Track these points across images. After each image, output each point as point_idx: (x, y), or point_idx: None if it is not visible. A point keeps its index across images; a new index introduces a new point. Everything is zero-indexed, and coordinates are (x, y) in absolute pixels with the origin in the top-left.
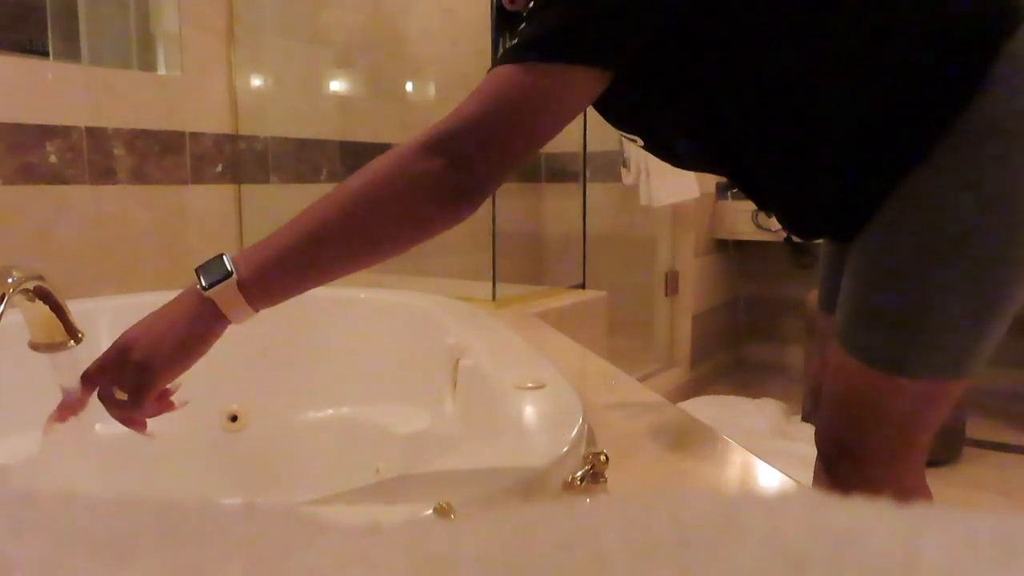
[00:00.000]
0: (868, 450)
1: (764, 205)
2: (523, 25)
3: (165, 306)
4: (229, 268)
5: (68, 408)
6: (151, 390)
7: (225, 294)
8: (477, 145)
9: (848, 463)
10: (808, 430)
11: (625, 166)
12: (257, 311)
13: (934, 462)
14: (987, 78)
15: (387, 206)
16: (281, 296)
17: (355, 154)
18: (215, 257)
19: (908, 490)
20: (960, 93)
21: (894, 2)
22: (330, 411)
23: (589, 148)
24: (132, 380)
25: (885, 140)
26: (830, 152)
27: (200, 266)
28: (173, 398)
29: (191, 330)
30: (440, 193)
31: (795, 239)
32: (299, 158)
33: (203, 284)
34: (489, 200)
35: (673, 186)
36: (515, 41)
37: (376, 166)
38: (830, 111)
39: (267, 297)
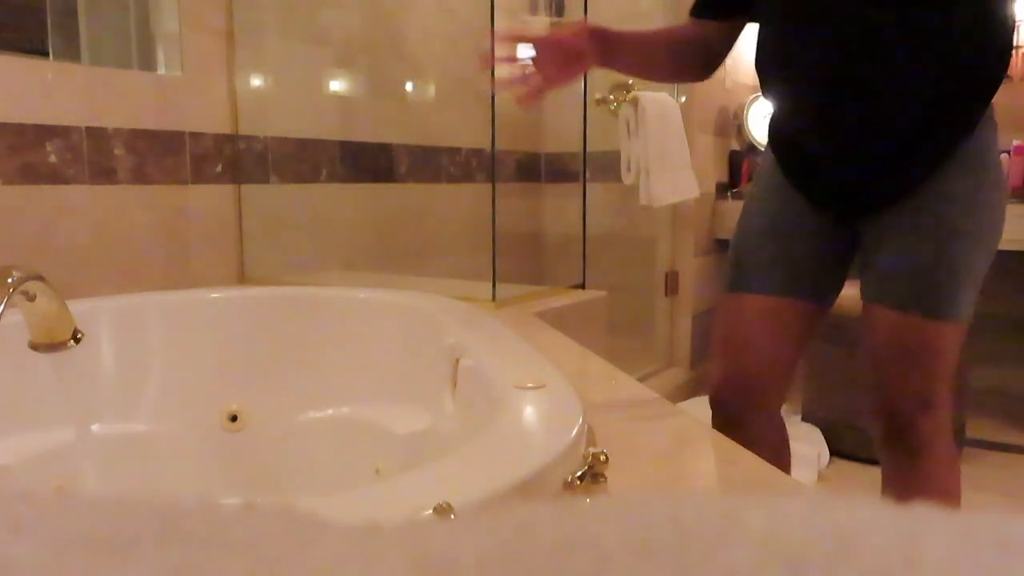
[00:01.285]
0: (938, 396)
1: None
2: None
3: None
4: None
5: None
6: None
7: None
8: None
9: (926, 415)
10: (808, 430)
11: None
12: None
13: None
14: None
15: None
16: None
17: (355, 154)
18: None
19: (952, 433)
20: (971, 124)
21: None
22: (330, 411)
23: (589, 148)
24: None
25: (936, 126)
26: (905, 120)
27: None
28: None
29: None
30: None
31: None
32: (299, 158)
33: None
34: (489, 200)
35: (673, 186)
36: None
37: None
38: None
39: None
